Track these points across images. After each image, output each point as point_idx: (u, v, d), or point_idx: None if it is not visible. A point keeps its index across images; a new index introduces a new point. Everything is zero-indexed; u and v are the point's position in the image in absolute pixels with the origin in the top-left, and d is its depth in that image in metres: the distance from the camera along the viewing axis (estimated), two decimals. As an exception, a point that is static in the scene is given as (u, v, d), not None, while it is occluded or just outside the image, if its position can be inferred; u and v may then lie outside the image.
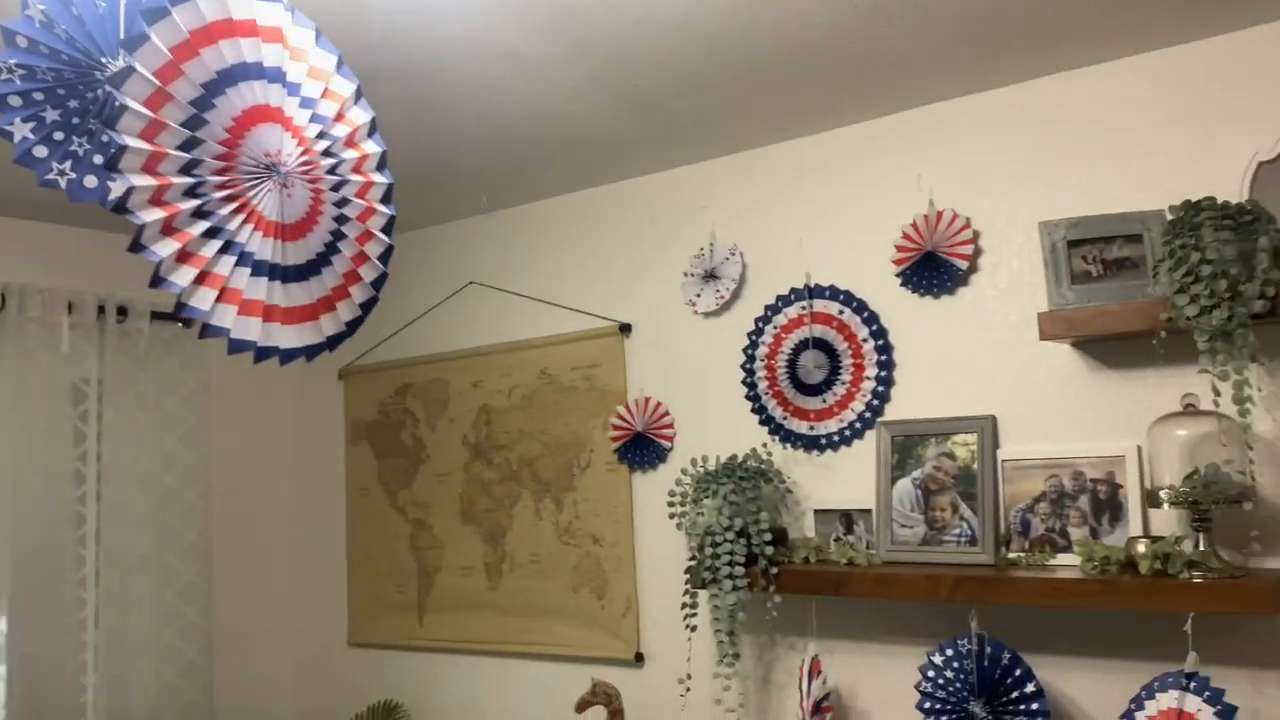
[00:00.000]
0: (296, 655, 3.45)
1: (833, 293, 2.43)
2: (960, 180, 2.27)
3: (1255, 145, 1.92)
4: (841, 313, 2.42)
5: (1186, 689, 1.77)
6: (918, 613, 2.26)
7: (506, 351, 3.03)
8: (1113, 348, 2.07)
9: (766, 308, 2.53)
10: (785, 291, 2.51)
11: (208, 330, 1.00)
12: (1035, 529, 2.12)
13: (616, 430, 2.76)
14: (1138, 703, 1.86)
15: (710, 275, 2.63)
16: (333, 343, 1.13)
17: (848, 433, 2.40)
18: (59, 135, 1.14)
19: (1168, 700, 1.80)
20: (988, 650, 2.03)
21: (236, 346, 1.02)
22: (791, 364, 2.49)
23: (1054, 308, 2.00)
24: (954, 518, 2.20)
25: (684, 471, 2.47)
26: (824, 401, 2.44)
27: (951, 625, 2.19)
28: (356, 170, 1.10)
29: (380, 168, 1.15)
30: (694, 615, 2.39)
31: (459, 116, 2.30)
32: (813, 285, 2.46)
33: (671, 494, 2.45)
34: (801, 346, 2.48)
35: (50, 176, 1.14)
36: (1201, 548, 1.84)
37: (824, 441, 2.44)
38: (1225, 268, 1.75)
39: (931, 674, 2.08)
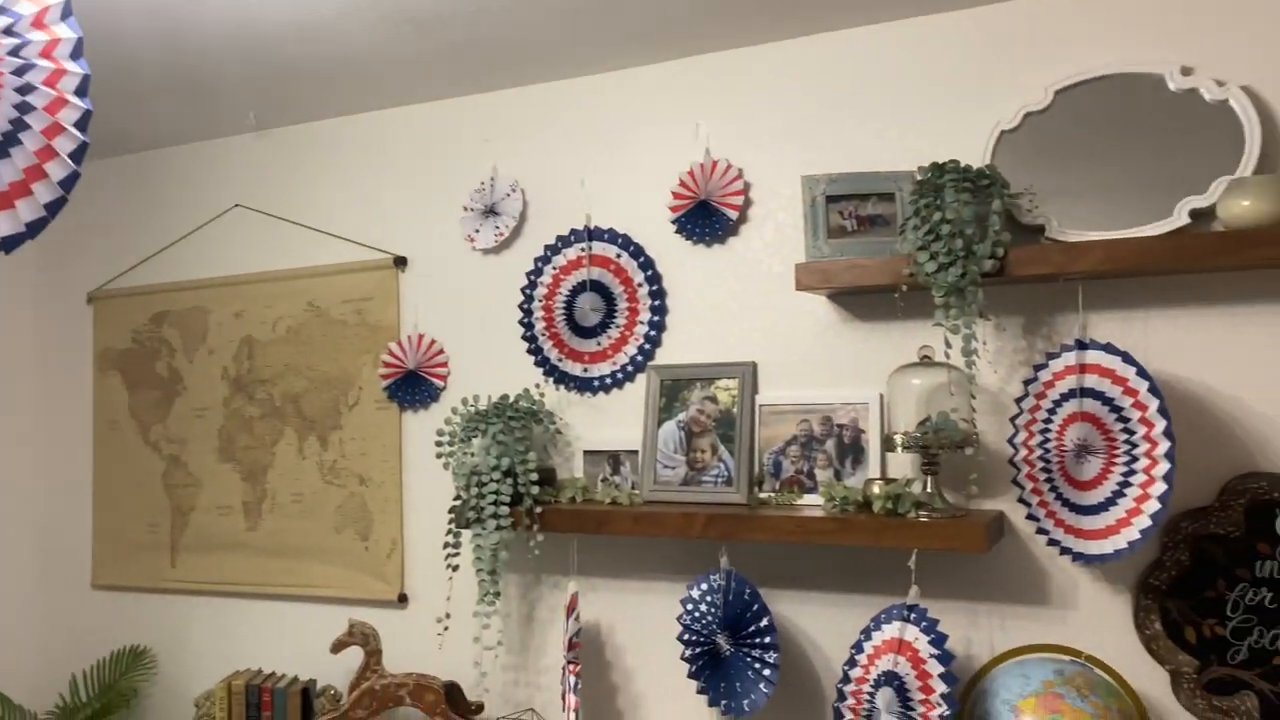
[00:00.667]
0: (36, 599, 3.19)
1: (612, 236, 2.44)
2: (735, 131, 2.32)
3: (999, 115, 2.05)
4: (619, 256, 2.43)
5: (908, 620, 1.90)
6: (675, 551, 2.33)
7: (272, 281, 2.87)
8: (864, 301, 2.18)
9: (546, 248, 2.51)
10: (565, 232, 2.49)
11: None
12: (786, 470, 2.22)
13: (388, 368, 2.68)
14: (867, 634, 1.99)
15: (490, 211, 2.58)
16: (7, 245, 1.01)
17: (620, 375, 2.43)
18: None
19: (891, 630, 1.93)
20: (733, 586, 2.12)
21: None
22: (569, 306, 2.48)
23: (810, 260, 2.08)
24: (713, 459, 2.27)
25: (454, 411, 2.42)
26: (599, 344, 2.45)
27: (706, 562, 2.27)
28: (45, 55, 0.99)
29: (75, 56, 1.03)
30: (456, 555, 2.37)
31: (212, 22, 2.13)
32: (593, 227, 2.46)
33: (440, 433, 2.41)
34: (579, 289, 2.47)
35: None
36: (928, 490, 1.97)
37: (596, 384, 2.45)
38: (962, 228, 1.86)
39: (689, 607, 2.15)
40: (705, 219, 2.33)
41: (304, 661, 2.74)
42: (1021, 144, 2.03)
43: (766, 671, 2.06)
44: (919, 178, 1.97)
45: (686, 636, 2.13)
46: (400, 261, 2.70)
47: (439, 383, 2.64)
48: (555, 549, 2.43)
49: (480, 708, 2.45)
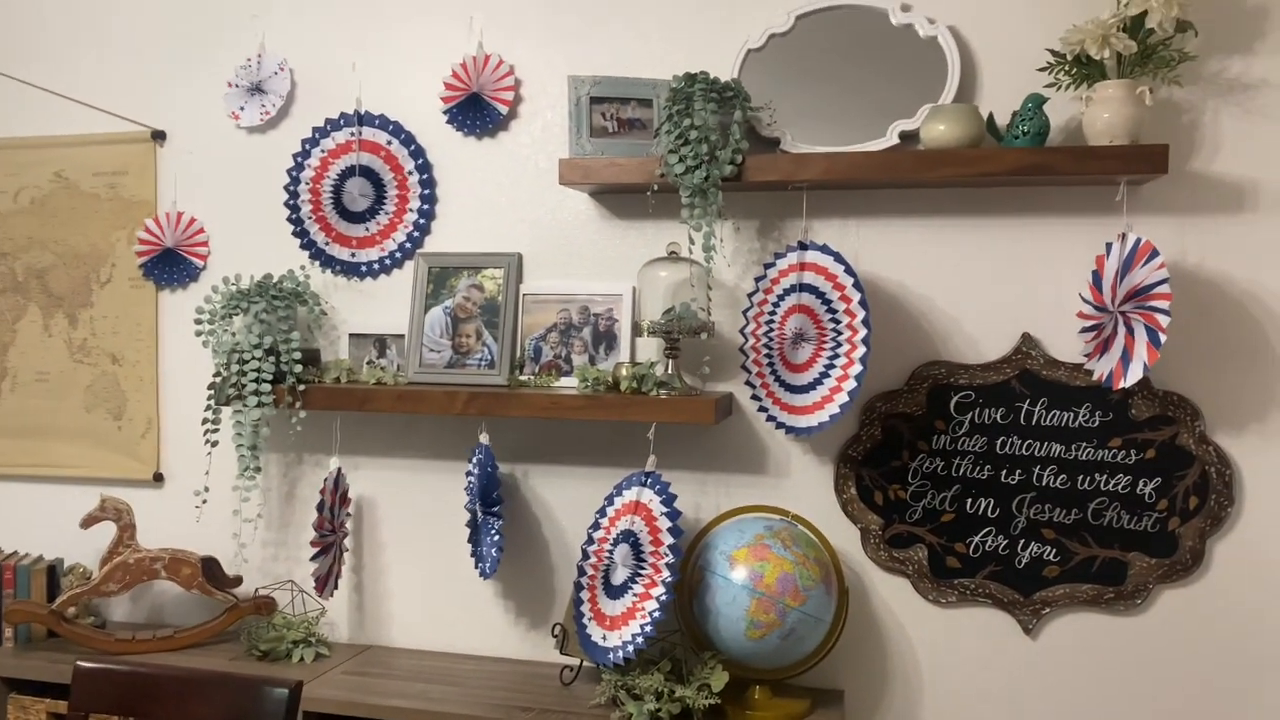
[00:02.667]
0: None
1: (383, 122, 2.47)
2: (508, 27, 2.40)
3: (748, 34, 2.24)
4: (390, 144, 2.47)
5: (644, 485, 2.13)
6: (438, 430, 2.45)
7: (14, 148, 2.70)
8: (622, 199, 2.35)
9: (315, 130, 2.51)
10: (335, 116, 2.50)
11: None
12: (545, 355, 2.38)
13: (144, 245, 2.61)
14: (610, 499, 2.20)
15: (256, 88, 2.54)
16: None
17: (388, 261, 2.49)
18: None
19: (630, 495, 2.15)
20: (485, 461, 2.28)
21: None
22: (337, 190, 2.51)
23: (573, 156, 2.22)
24: (478, 344, 2.39)
25: (214, 289, 2.42)
26: (367, 230, 2.50)
27: (467, 441, 2.41)
28: None
29: None
30: (215, 431, 2.39)
31: None
32: (363, 112, 2.48)
33: (200, 311, 2.40)
34: (348, 173, 2.50)
35: None
36: (670, 371, 2.19)
37: (364, 269, 2.51)
38: (707, 134, 2.05)
39: (470, 480, 2.28)
40: (476, 111, 2.41)
41: (51, 542, 2.67)
42: (766, 63, 2.24)
43: (497, 538, 2.24)
44: (673, 86, 2.14)
45: (467, 504, 2.27)
46: (159, 135, 2.62)
47: (199, 262, 2.61)
48: (318, 428, 2.49)
49: (239, 580, 2.50)
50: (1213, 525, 2.08)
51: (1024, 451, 2.16)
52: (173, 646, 2.42)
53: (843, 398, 2.05)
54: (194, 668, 1.90)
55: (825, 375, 2.09)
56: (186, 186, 2.61)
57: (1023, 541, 2.16)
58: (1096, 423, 2.12)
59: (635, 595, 2.07)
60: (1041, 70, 2.05)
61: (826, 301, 2.08)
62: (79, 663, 1.74)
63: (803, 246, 2.12)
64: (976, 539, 2.19)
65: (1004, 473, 2.17)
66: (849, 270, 2.05)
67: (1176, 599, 2.10)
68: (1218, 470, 2.07)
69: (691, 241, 2.13)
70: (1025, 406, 2.15)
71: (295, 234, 2.53)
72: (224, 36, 2.56)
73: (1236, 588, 2.07)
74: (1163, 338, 1.88)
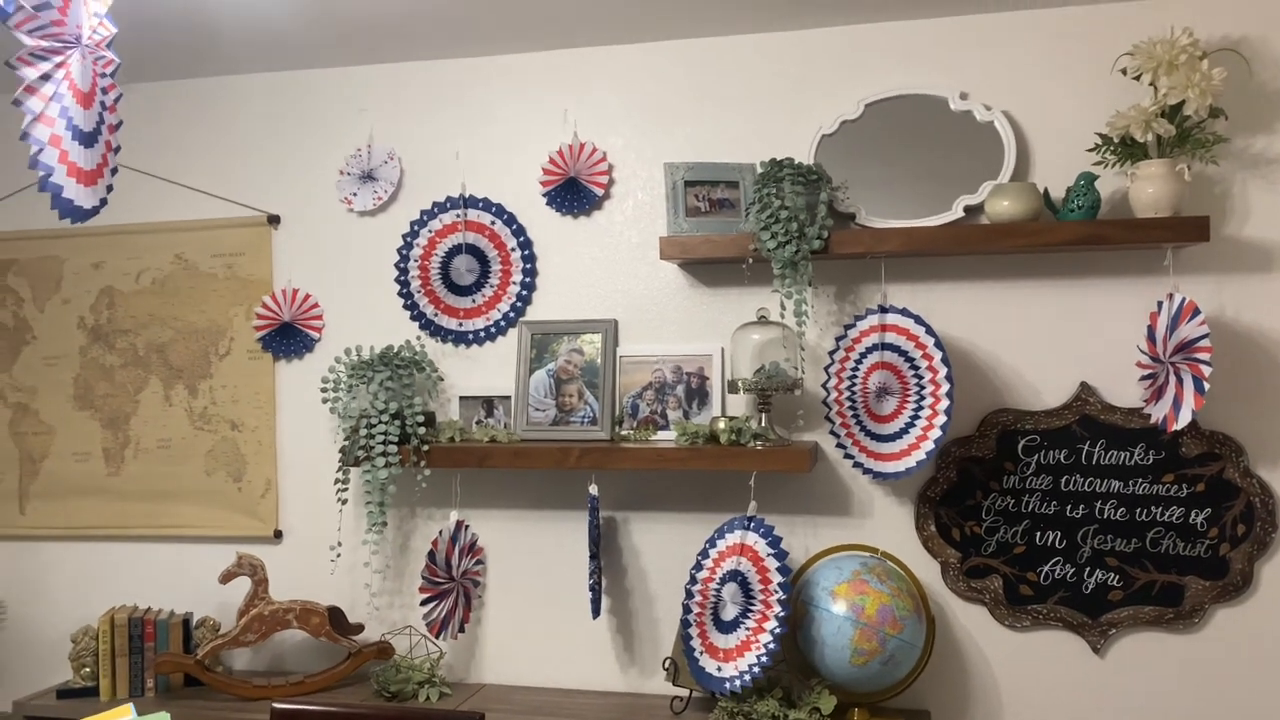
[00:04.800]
0: None
1: (486, 204, 2.72)
2: (600, 119, 2.66)
3: (821, 120, 2.51)
4: (493, 223, 2.72)
5: (748, 528, 2.36)
6: (546, 483, 2.67)
7: (137, 233, 2.94)
8: (709, 269, 2.60)
9: (423, 212, 2.76)
10: (442, 199, 2.75)
11: (47, 184, 1.06)
12: (642, 412, 2.61)
13: (262, 319, 2.84)
14: (711, 542, 2.43)
15: (368, 176, 2.79)
16: (100, 207, 1.22)
17: (493, 329, 2.73)
18: None
19: (734, 538, 2.38)
20: (596, 510, 2.50)
21: (65, 205, 1.09)
22: (444, 266, 2.75)
23: (672, 234, 2.47)
24: (580, 403, 2.63)
25: (337, 360, 2.65)
26: (473, 301, 2.74)
27: (575, 494, 2.63)
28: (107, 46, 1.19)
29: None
30: (345, 490, 2.61)
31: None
32: (468, 196, 2.73)
33: (325, 380, 2.63)
34: (455, 251, 2.74)
35: None
36: (764, 424, 2.43)
37: (471, 337, 2.74)
38: (797, 214, 2.31)
39: (591, 524, 2.51)
40: (573, 194, 2.66)
41: (179, 597, 2.87)
42: (838, 145, 2.51)
43: (601, 580, 2.47)
44: (760, 170, 2.40)
45: (589, 549, 2.50)
46: (274, 219, 2.86)
47: (314, 334, 2.84)
48: (432, 485, 2.71)
49: (361, 628, 2.70)
50: (1259, 550, 2.32)
51: (1086, 488, 2.40)
52: (304, 691, 2.61)
53: (929, 445, 2.30)
54: (379, 705, 2.10)
55: (911, 425, 2.34)
56: (299, 264, 2.84)
57: (1088, 569, 2.40)
58: (1150, 460, 2.37)
59: (748, 630, 2.29)
60: (1089, 150, 2.32)
61: (909, 359, 2.33)
62: (275, 705, 1.94)
63: (882, 309, 2.37)
64: (1046, 568, 2.42)
65: (1069, 508, 2.41)
66: (929, 331, 2.30)
67: (1230, 617, 2.34)
68: (1261, 500, 2.32)
69: (783, 307, 2.38)
70: (1085, 448, 2.40)
71: (405, 306, 2.77)
72: (335, 130, 2.81)
73: (1283, 605, 2.31)
74: (1206, 386, 2.13)
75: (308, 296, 2.84)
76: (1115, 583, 2.39)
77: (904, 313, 2.35)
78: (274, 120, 2.86)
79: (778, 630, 2.23)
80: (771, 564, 2.29)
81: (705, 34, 2.59)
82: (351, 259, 2.81)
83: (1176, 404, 2.20)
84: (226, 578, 2.60)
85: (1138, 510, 2.38)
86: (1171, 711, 2.36)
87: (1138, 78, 2.25)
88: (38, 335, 3.01)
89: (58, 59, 1.09)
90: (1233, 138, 2.28)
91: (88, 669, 2.67)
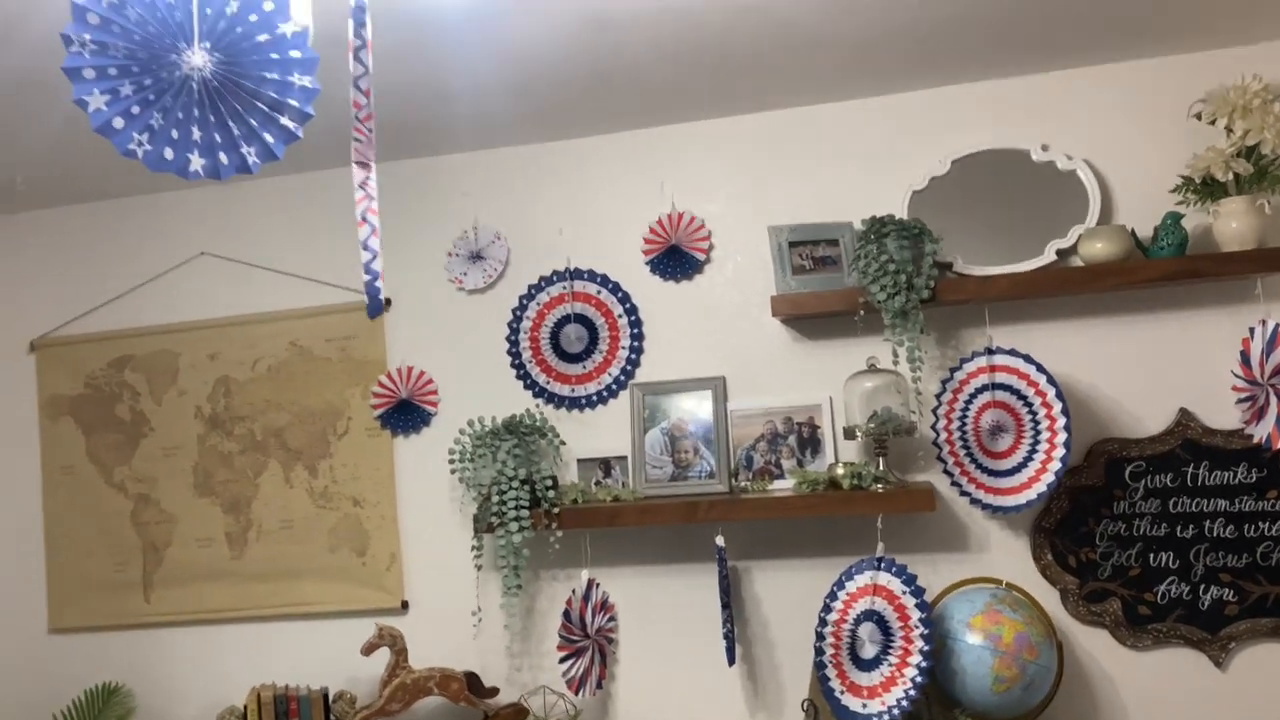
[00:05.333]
0: (-21, 653, 3.17)
1: (591, 275, 2.86)
2: (697, 188, 2.81)
3: (911, 178, 2.67)
4: (599, 293, 2.86)
5: (878, 568, 2.46)
6: (672, 537, 2.78)
7: (251, 323, 3.06)
8: (810, 323, 2.73)
9: (530, 287, 2.90)
10: (548, 273, 2.89)
11: (374, 289, 1.18)
12: (757, 463, 2.73)
13: (379, 398, 2.96)
14: (840, 584, 2.53)
15: (476, 256, 2.93)
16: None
17: (605, 393, 2.85)
18: (135, 109, 1.23)
19: (863, 579, 2.48)
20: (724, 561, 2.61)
21: (376, 307, 1.22)
22: (554, 335, 2.88)
23: (781, 293, 2.62)
24: (696, 458, 2.74)
25: (462, 431, 2.76)
26: (584, 368, 2.87)
27: (698, 547, 2.74)
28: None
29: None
30: (479, 556, 2.71)
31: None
32: (573, 269, 2.87)
33: (452, 451, 2.74)
34: (564, 321, 2.88)
35: (131, 147, 1.22)
36: (882, 468, 2.55)
37: (584, 401, 2.87)
38: (904, 267, 2.46)
39: (721, 575, 2.61)
40: (676, 260, 2.81)
41: (304, 674, 2.95)
42: (928, 199, 2.66)
43: (731, 628, 2.58)
44: (861, 228, 2.56)
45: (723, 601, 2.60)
46: (385, 302, 2.99)
47: (431, 409, 2.96)
48: (545, 546, 2.80)
49: (496, 691, 2.78)
50: (1366, 557, 2.44)
51: (1194, 509, 2.52)
52: (448, 756, 2.68)
53: (1049, 477, 2.42)
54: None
55: (1029, 460, 2.46)
56: (412, 343, 2.97)
57: (1203, 586, 2.51)
58: (1254, 478, 2.49)
59: (891, 665, 2.39)
60: (1172, 191, 2.48)
61: (1023, 397, 2.47)
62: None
63: (989, 351, 2.51)
64: (1162, 588, 2.53)
65: (1179, 528, 2.53)
66: (1041, 369, 2.44)
67: (1345, 623, 2.45)
68: (1364, 509, 2.44)
69: (895, 356, 2.52)
70: (1190, 470, 2.52)
71: (518, 376, 2.89)
72: (440, 214, 2.96)
73: (1395, 608, 2.42)
74: (1312, 403, 2.27)
75: (423, 373, 2.96)
76: (1230, 598, 2.50)
77: (1013, 353, 2.48)
78: (382, 207, 3.00)
79: (924, 664, 2.33)
80: (909, 601, 2.39)
81: (790, 105, 2.75)
82: (463, 335, 2.94)
83: (1279, 423, 2.33)
84: (369, 649, 2.69)
85: (1246, 527, 2.49)
86: (1297, 719, 2.46)
87: (1213, 122, 2.42)
88: (155, 427, 3.12)
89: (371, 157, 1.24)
90: (1307, 171, 2.44)
91: (235, 748, 2.74)
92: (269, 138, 1.29)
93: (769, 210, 2.77)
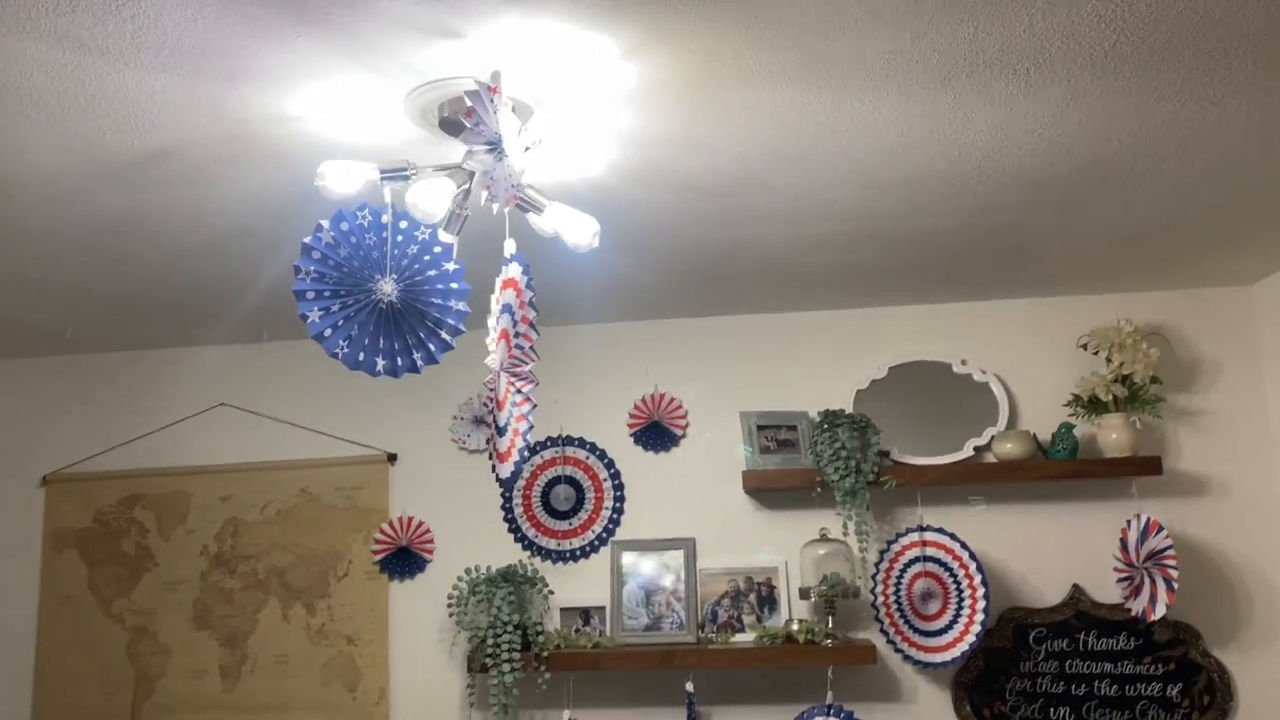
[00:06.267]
0: (-46, 779, 3.23)
1: (581, 443, 3.29)
2: (677, 374, 3.30)
3: (856, 379, 3.21)
4: (588, 458, 3.28)
5: (828, 715, 2.86)
6: (645, 682, 3.11)
7: (265, 470, 3.37)
8: (771, 495, 3.19)
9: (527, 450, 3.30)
10: (543, 439, 3.30)
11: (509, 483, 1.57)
12: (721, 617, 3.13)
13: (379, 544, 3.28)
14: (793, 728, 2.91)
15: (479, 420, 3.34)
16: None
17: (588, 548, 3.24)
18: (340, 322, 1.64)
19: (815, 723, 2.87)
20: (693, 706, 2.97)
21: (504, 483, 1.64)
22: (545, 494, 3.27)
23: (751, 468, 3.09)
24: (668, 610, 3.13)
25: (460, 578, 3.09)
26: (570, 524, 3.26)
27: (668, 690, 3.08)
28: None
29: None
30: (473, 693, 3.00)
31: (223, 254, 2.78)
32: (565, 436, 3.30)
33: (450, 596, 3.06)
34: (555, 481, 3.28)
35: (335, 350, 1.63)
36: (831, 625, 2.98)
37: (568, 555, 3.24)
38: (853, 453, 2.96)
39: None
40: (656, 433, 3.27)
41: (293, 805, 3.13)
42: (869, 397, 3.20)
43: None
44: (818, 418, 3.07)
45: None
46: (392, 457, 3.35)
47: (427, 556, 3.28)
48: (531, 686, 3.11)
49: (475, 824, 3.02)
50: (1220, 716, 2.94)
51: (1085, 670, 3.01)
52: None
53: (970, 639, 2.88)
54: None
55: (954, 623, 2.93)
56: (414, 495, 3.32)
57: (1094, 738, 2.97)
58: (1133, 646, 3.00)
59: (839, 800, 2.75)
60: (1065, 405, 3.08)
61: (949, 569, 2.96)
62: None
63: (921, 528, 3.01)
64: (1061, 739, 2.98)
65: (1073, 686, 3.00)
66: (964, 545, 2.94)
67: (1208, 773, 2.93)
68: (1219, 675, 2.96)
69: (844, 528, 2.99)
70: (1082, 636, 3.02)
71: (510, 530, 3.26)
72: (447, 383, 3.36)
73: (1247, 760, 2.92)
74: (1176, 585, 2.81)
75: (421, 523, 3.30)
76: (1116, 748, 2.96)
77: (941, 530, 2.99)
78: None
79: (868, 798, 2.71)
80: (855, 743, 2.78)
81: (759, 312, 3.30)
82: (460, 490, 3.30)
83: (1153, 599, 2.86)
84: (363, 779, 2.91)
85: (1127, 687, 2.99)
86: None
87: (1096, 353, 3.04)
88: (160, 562, 3.35)
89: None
90: (1168, 398, 3.07)
91: None
92: (432, 347, 1.71)
93: (737, 397, 3.26)
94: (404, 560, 3.27)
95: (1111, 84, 1.79)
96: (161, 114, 1.80)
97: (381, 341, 1.68)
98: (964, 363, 3.20)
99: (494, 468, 1.79)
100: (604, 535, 3.24)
